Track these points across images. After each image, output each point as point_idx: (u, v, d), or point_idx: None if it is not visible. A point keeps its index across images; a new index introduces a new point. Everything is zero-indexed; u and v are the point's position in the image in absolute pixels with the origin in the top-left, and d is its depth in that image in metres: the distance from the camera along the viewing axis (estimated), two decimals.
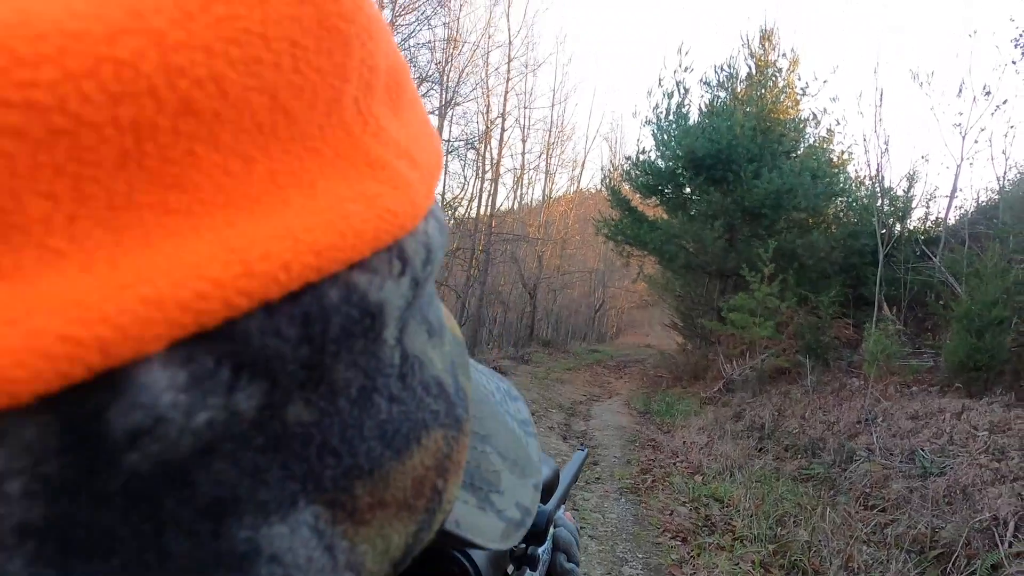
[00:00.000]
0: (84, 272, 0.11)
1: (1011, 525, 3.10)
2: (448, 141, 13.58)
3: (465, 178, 14.98)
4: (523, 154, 17.74)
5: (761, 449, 5.13)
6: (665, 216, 11.39)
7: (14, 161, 0.10)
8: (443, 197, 14.14)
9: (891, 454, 4.38)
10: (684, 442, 5.43)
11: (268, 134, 0.13)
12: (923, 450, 4.21)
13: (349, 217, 0.14)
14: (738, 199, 9.63)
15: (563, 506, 0.56)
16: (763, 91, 10.62)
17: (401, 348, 0.17)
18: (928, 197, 9.13)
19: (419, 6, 11.20)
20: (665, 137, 10.75)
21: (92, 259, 0.11)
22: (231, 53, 0.12)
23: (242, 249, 0.12)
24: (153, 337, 0.11)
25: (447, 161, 14.20)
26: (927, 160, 12.34)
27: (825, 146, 10.35)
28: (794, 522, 3.52)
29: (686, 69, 10.96)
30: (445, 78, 12.37)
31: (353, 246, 0.14)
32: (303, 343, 0.13)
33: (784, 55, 10.96)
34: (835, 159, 10.21)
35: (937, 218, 8.78)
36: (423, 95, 11.84)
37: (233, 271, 0.12)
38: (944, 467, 3.93)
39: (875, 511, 3.65)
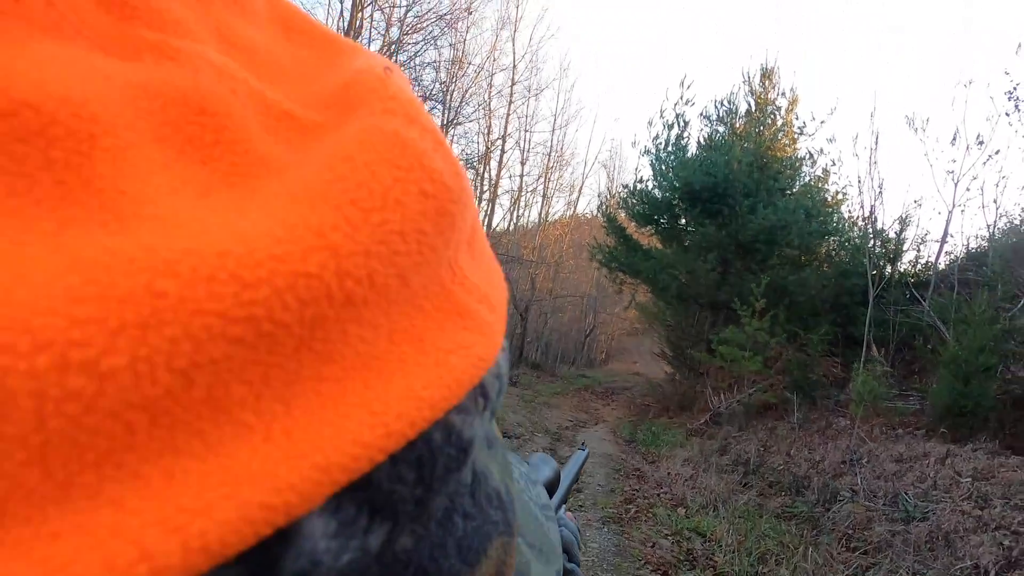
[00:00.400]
0: (266, 442, 0.12)
1: (992, 574, 3.09)
2: None
3: None
4: (521, 176, 17.87)
5: (745, 484, 5.10)
6: (660, 246, 11.44)
7: (232, 362, 0.12)
8: None
9: (875, 496, 4.36)
10: (669, 473, 5.40)
11: (392, 303, 0.15)
12: (907, 494, 4.21)
13: (453, 370, 0.16)
14: (732, 232, 9.68)
15: (564, 506, 0.57)
16: (761, 128, 10.76)
17: (472, 467, 0.18)
18: (919, 241, 9.20)
19: (427, 27, 11.36)
20: (663, 167, 10.83)
21: (271, 430, 0.12)
22: (381, 252, 0.14)
23: (382, 412, 0.14)
24: (320, 498, 0.12)
25: None
26: (919, 205, 12.51)
27: (820, 185, 10.42)
28: (776, 560, 3.50)
29: (687, 102, 11.10)
30: (448, 97, 12.50)
31: (456, 395, 0.15)
32: (418, 484, 0.15)
33: (783, 94, 11.14)
34: (829, 199, 10.29)
35: (927, 262, 8.85)
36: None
37: (377, 433, 0.13)
38: (927, 512, 3.92)
39: (857, 553, 3.63)
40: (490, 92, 14.77)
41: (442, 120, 12.32)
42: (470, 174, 14.46)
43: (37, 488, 0.10)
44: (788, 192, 10.24)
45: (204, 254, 0.12)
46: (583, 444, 0.72)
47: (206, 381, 0.12)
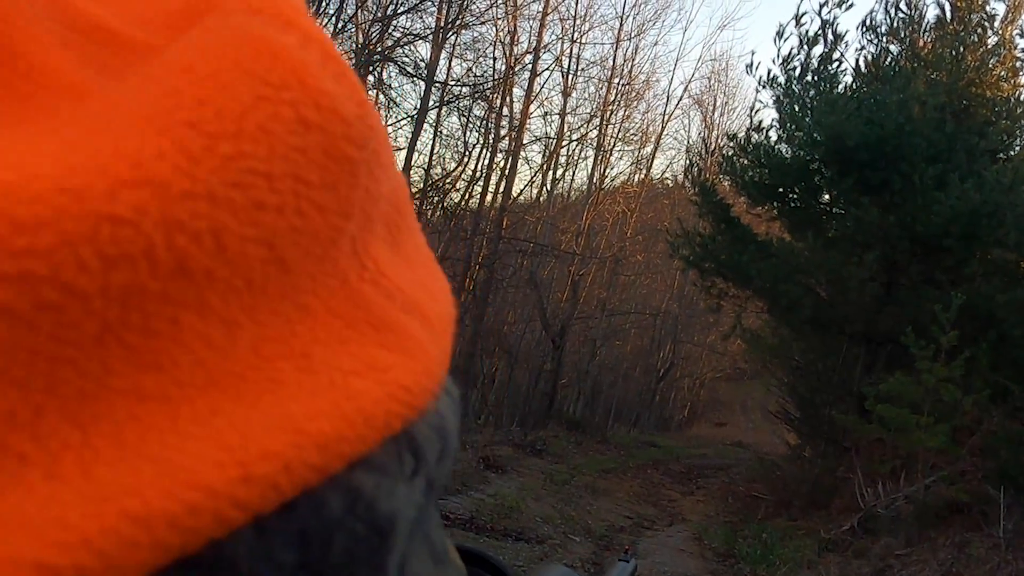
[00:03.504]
0: (49, 480, 0.13)
1: None
2: (446, 84, 13.68)
3: (466, 145, 15.06)
4: (563, 115, 17.88)
5: None
6: (786, 236, 11.33)
7: None
8: (428, 172, 14.21)
9: None
10: None
11: (257, 292, 0.16)
12: None
13: (357, 398, 0.16)
14: (906, 220, 9.61)
15: None
16: (961, 48, 10.64)
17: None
18: None
19: None
20: (797, 109, 10.78)
21: (59, 463, 0.13)
22: (234, 199, 0.15)
23: (237, 447, 0.14)
24: (136, 565, 0.13)
25: (442, 115, 14.29)
26: None
27: None
28: None
29: (841, 3, 10.99)
30: None
31: (361, 437, 0.16)
32: (299, 571, 0.16)
33: None
34: None
35: None
36: (413, 7, 11.98)
37: (229, 476, 0.14)
38: None
39: None
40: None
41: (439, 19, 12.34)
42: (479, 109, 14.48)
43: None
44: (1002, 157, 10.04)
45: None
46: (627, 552, 0.75)
47: None
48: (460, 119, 14.93)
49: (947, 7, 11.19)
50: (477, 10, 13.55)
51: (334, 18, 11.41)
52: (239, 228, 0.15)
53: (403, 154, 12.86)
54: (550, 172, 18.86)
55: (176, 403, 0.14)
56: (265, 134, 0.16)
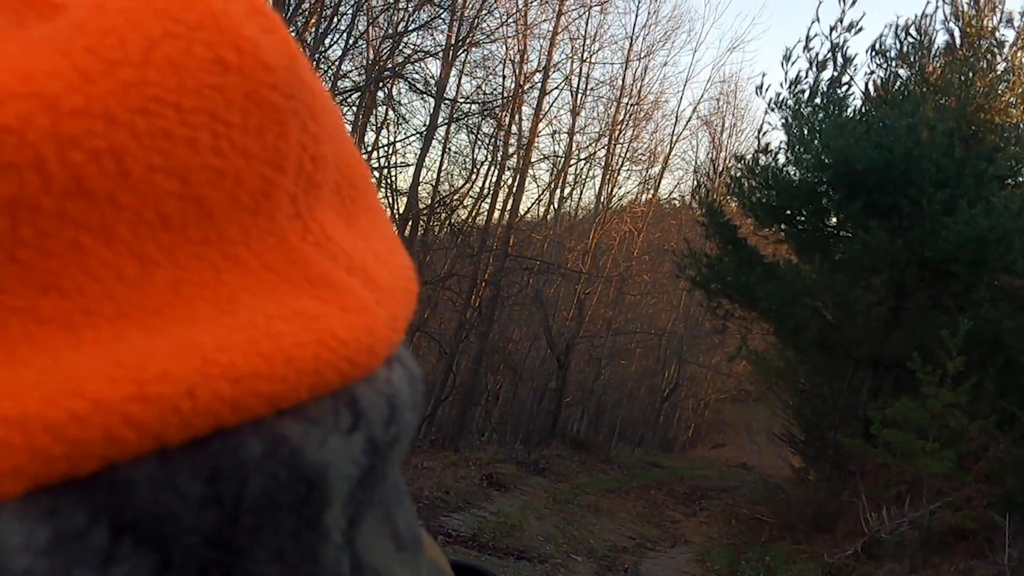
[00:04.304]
0: None
1: None
2: (455, 101, 13.72)
3: (474, 162, 15.11)
4: (571, 134, 17.94)
5: None
6: (793, 258, 11.33)
7: None
8: (436, 188, 14.23)
9: None
10: None
11: (175, 232, 0.16)
12: None
13: (278, 337, 0.16)
14: (914, 244, 9.64)
15: None
16: (970, 74, 10.70)
17: (352, 553, 0.19)
18: None
19: None
20: (806, 132, 10.80)
21: None
22: (137, 124, 0.15)
23: (134, 365, 0.14)
24: (11, 469, 0.13)
25: (451, 132, 14.30)
26: None
27: None
28: None
29: (850, 27, 11.04)
30: (461, 0, 12.57)
31: (283, 378, 0.16)
32: (209, 506, 0.15)
33: (1010, 20, 11.00)
34: None
35: None
36: (424, 24, 12.02)
37: (121, 391, 0.14)
38: None
39: None
40: None
41: (449, 37, 12.39)
42: (487, 127, 14.52)
43: None
44: (1011, 183, 10.03)
45: None
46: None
47: None
48: (469, 136, 15.01)
49: (956, 33, 11.23)
50: (488, 28, 13.65)
51: (345, 34, 11.49)
52: (144, 154, 0.15)
53: (411, 170, 12.91)
54: (557, 190, 18.90)
55: (81, 330, 0.14)
56: (174, 67, 0.16)
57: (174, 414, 0.14)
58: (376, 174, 13.49)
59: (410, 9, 11.92)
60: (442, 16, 12.32)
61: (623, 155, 19.92)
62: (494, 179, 15.17)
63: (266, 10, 0.18)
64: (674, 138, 23.25)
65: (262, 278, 0.17)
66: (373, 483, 0.19)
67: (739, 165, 11.97)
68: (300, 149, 0.18)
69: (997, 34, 11.04)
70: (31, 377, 0.13)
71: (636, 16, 26.87)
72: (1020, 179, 10.34)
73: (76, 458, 0.13)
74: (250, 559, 0.16)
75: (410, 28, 12.07)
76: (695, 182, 17.45)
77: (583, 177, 20.00)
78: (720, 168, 14.83)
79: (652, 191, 22.24)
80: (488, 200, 15.19)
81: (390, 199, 13.31)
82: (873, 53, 11.60)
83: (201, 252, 0.16)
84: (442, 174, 14.97)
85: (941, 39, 11.35)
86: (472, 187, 15.03)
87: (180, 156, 0.15)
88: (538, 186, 18.51)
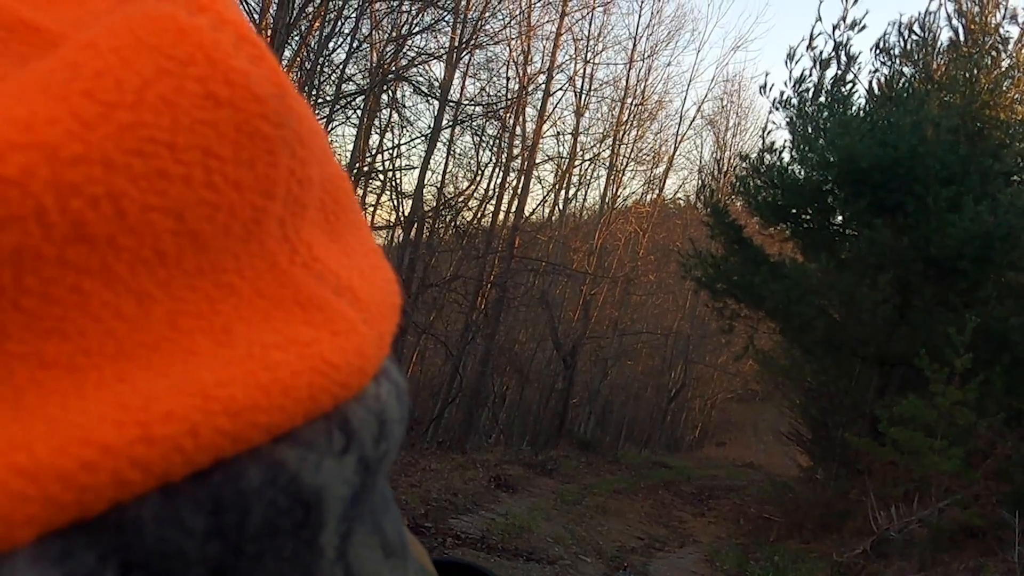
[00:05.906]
0: None
1: None
2: (459, 103, 13.74)
3: (478, 164, 15.12)
4: (575, 135, 17.95)
5: None
6: (798, 257, 11.32)
7: None
8: (441, 191, 14.25)
9: None
10: None
11: (171, 266, 0.16)
12: None
13: (274, 368, 0.17)
14: (920, 242, 9.64)
15: None
16: (975, 71, 10.68)
17: (345, 567, 0.19)
18: None
19: None
20: (810, 131, 10.79)
21: None
22: (133, 166, 0.15)
23: (138, 408, 0.15)
24: (25, 520, 0.13)
25: (455, 134, 14.31)
26: None
27: None
28: None
29: (853, 25, 11.05)
30: (464, 3, 12.60)
31: (281, 408, 0.16)
32: (212, 538, 0.15)
33: (1014, 17, 10.99)
34: None
35: None
36: (428, 27, 12.03)
37: (127, 435, 0.14)
38: None
39: None
40: None
41: (453, 39, 12.41)
42: (491, 128, 14.53)
43: None
44: (1016, 179, 10.02)
45: None
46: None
47: None
48: (473, 138, 14.99)
49: (961, 30, 11.21)
50: (491, 30, 13.66)
51: (349, 38, 11.52)
52: (140, 196, 0.15)
53: (416, 173, 12.92)
54: (562, 191, 18.91)
55: (84, 371, 0.15)
56: (168, 105, 0.16)
57: (178, 453, 0.15)
58: (381, 177, 13.52)
59: (414, 12, 11.96)
60: (446, 19, 12.35)
61: (627, 155, 19.94)
62: (499, 181, 15.18)
63: (254, 38, 0.18)
64: (678, 138, 23.27)
65: (255, 304, 0.17)
66: (364, 499, 0.20)
67: (744, 164, 11.97)
68: (288, 174, 0.18)
69: (1001, 30, 11.03)
70: (40, 426, 0.14)
71: (639, 16, 27.02)
72: (1023, 178, 10.32)
73: (86, 503, 0.14)
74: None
75: (414, 31, 12.09)
76: (700, 182, 17.49)
77: (587, 178, 20.02)
78: (725, 167, 14.85)
79: (657, 191, 22.24)
80: (493, 202, 15.21)
81: (395, 202, 13.36)
82: (877, 51, 11.60)
83: (195, 283, 0.16)
84: (447, 176, 15.03)
85: (945, 36, 11.35)
86: (477, 189, 15.03)
87: (175, 194, 0.16)
88: (543, 187, 18.50)
